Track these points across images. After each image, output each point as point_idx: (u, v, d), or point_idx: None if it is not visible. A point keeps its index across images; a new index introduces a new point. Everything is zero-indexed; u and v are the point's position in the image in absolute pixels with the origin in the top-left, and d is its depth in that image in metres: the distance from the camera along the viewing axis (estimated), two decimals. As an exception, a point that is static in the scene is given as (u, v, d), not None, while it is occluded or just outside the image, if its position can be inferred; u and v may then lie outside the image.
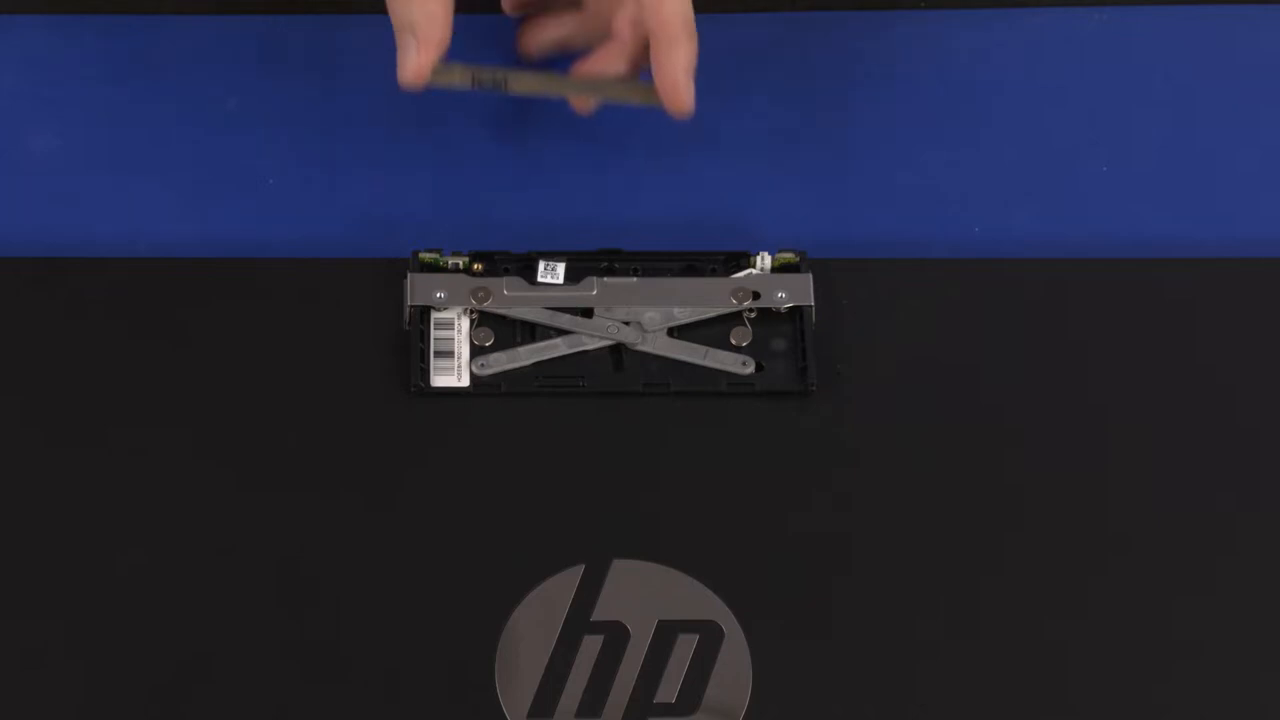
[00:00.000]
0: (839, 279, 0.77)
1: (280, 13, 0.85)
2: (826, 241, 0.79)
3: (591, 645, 0.70)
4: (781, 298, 0.77)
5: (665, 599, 0.71)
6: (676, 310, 0.77)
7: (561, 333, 0.76)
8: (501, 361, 0.75)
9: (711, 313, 0.77)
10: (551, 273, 0.77)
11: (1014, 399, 0.75)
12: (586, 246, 0.78)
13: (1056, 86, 0.85)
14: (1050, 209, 0.82)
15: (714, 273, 0.78)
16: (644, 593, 0.71)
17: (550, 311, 0.76)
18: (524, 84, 0.80)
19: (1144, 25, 0.87)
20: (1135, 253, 0.80)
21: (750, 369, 0.76)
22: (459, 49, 0.79)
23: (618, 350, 0.76)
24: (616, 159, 0.82)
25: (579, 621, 0.70)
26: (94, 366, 0.74)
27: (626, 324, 0.76)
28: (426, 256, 0.77)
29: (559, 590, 0.71)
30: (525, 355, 0.76)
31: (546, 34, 0.83)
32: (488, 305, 0.76)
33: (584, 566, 0.71)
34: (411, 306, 0.76)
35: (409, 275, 0.76)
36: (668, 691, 0.70)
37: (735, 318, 0.77)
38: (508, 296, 0.76)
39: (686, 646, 0.70)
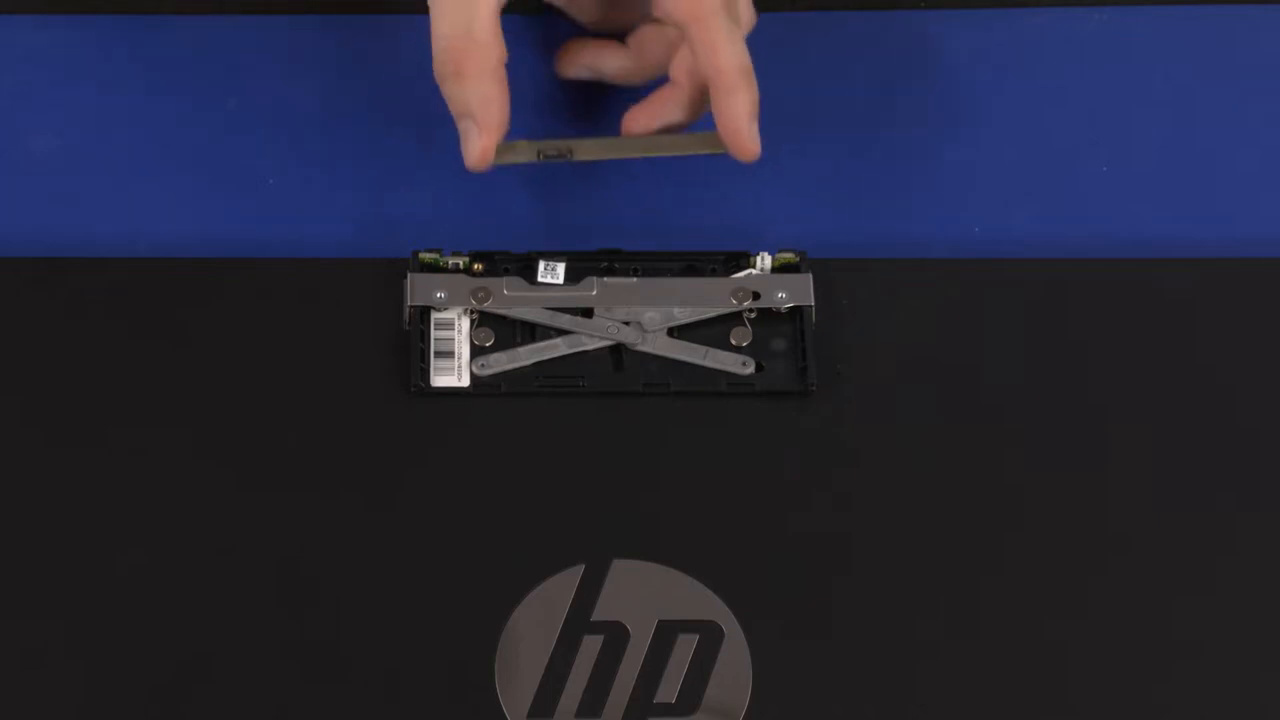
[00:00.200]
0: (839, 279, 0.77)
1: (280, 13, 0.85)
2: (826, 241, 0.79)
3: (591, 645, 0.70)
4: (781, 298, 0.77)
5: (665, 599, 0.71)
6: (676, 310, 0.77)
7: (561, 333, 0.76)
8: (502, 361, 0.75)
9: (711, 313, 0.77)
10: (551, 273, 0.77)
11: (1014, 399, 0.75)
12: (586, 246, 0.78)
13: (1056, 86, 0.85)
14: (1050, 209, 0.82)
15: (714, 273, 0.77)
16: (644, 593, 0.71)
17: (550, 312, 0.76)
18: (589, 152, 0.79)
19: (1144, 25, 0.86)
20: (1135, 253, 0.80)
21: (750, 369, 0.76)
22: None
23: (618, 350, 0.76)
24: (616, 159, 0.81)
25: (579, 621, 0.70)
26: (94, 366, 0.74)
27: (626, 324, 0.76)
28: (426, 256, 0.77)
29: (559, 590, 0.71)
30: (525, 355, 0.76)
31: (586, 60, 0.83)
32: (488, 305, 0.76)
33: (584, 566, 0.71)
34: (411, 306, 0.76)
35: (409, 275, 0.76)
36: (668, 691, 0.70)
37: (735, 318, 0.77)
38: (508, 296, 0.76)
39: (686, 646, 0.70)
